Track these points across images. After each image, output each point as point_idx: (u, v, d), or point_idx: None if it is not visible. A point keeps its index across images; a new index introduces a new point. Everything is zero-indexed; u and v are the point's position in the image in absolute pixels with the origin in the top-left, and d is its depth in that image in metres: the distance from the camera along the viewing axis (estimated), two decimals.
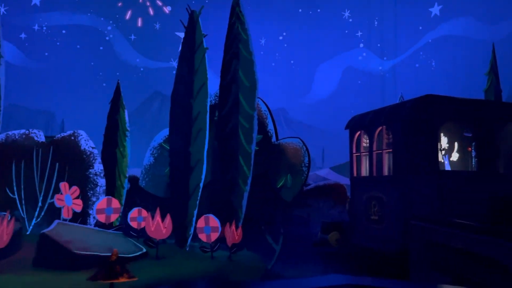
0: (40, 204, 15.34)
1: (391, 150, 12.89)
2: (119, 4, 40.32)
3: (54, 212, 14.69)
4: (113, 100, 16.83)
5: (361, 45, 42.77)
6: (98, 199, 15.11)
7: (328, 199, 17.86)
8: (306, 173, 16.93)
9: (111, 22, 40.87)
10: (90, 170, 15.94)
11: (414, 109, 12.34)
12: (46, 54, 38.97)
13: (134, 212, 14.51)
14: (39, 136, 15.97)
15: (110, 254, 8.36)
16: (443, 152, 13.17)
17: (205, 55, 15.25)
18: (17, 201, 15.18)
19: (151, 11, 41.09)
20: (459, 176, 12.69)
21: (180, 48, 15.88)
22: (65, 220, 14.05)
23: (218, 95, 16.37)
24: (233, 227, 13.92)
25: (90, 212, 15.34)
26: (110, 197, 14.87)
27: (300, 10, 42.97)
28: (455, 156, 13.60)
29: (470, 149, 13.55)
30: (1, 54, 16.23)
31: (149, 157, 17.63)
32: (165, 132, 17.07)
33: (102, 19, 40.56)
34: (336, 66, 42.86)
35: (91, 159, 16.04)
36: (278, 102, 35.80)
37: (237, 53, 15.57)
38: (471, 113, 12.83)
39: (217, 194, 15.74)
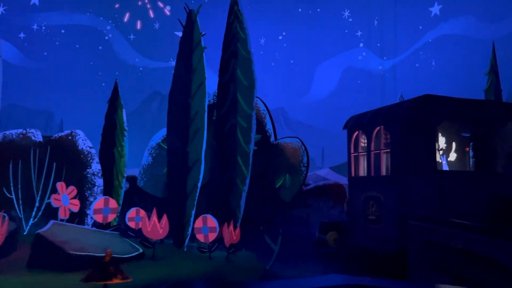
0: (37, 204, 15.25)
1: (389, 150, 12.85)
2: (116, 5, 40.27)
3: (51, 212, 14.59)
4: (111, 100, 16.74)
5: (361, 44, 42.75)
6: (95, 199, 15.02)
7: (328, 199, 17.80)
8: (305, 173, 16.83)
9: (110, 21, 40.86)
10: (88, 170, 15.85)
11: (412, 109, 12.31)
12: (45, 53, 38.98)
13: (132, 212, 14.43)
14: (37, 135, 15.89)
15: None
16: (441, 152, 13.13)
17: (203, 54, 15.18)
18: (14, 201, 15.09)
19: (151, 13, 41.07)
20: (459, 176, 12.67)
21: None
22: (62, 220, 13.96)
23: (216, 94, 16.30)
24: (231, 227, 13.84)
25: (88, 212, 15.25)
26: (107, 197, 14.78)
27: (299, 10, 42.95)
28: (453, 156, 13.59)
29: (468, 149, 13.53)
30: None
31: (147, 157, 17.54)
32: (164, 131, 16.98)
33: (101, 18, 40.55)
34: (336, 66, 42.84)
35: (89, 158, 15.95)
36: (277, 102, 35.81)
37: (235, 52, 15.48)
38: (469, 113, 12.81)
39: (215, 194, 15.67)
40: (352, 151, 14.61)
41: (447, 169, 13.18)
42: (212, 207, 15.33)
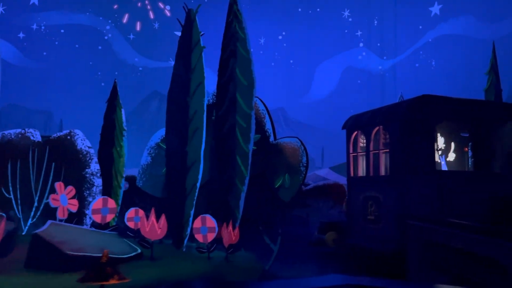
0: (36, 204, 15.20)
1: (388, 150, 12.84)
2: (115, 6, 40.24)
3: (50, 213, 14.54)
4: (109, 100, 16.68)
5: (361, 44, 42.74)
6: (94, 199, 14.98)
7: (327, 199, 17.75)
8: (304, 173, 16.76)
9: (109, 21, 40.84)
10: (87, 170, 15.80)
11: (410, 109, 12.31)
12: (45, 53, 38.99)
13: (131, 212, 14.39)
14: (35, 135, 15.84)
15: None
16: (440, 152, 13.11)
17: (202, 53, 15.12)
18: (13, 201, 15.05)
19: (151, 15, 41.04)
20: (459, 176, 12.68)
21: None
22: (61, 220, 13.91)
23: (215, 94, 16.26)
24: (230, 227, 13.79)
25: (87, 212, 15.21)
26: (106, 197, 14.73)
27: (299, 10, 42.95)
28: (451, 156, 13.57)
29: (466, 149, 13.52)
30: None
31: (146, 156, 17.48)
32: (163, 131, 16.91)
33: (100, 18, 40.53)
34: (336, 66, 42.83)
35: (88, 158, 15.90)
36: (277, 102, 35.81)
37: (234, 51, 15.42)
38: (467, 113, 12.82)
39: (214, 194, 15.61)
40: (351, 151, 14.60)
41: (446, 169, 13.17)
42: (211, 207, 15.27)
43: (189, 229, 14.42)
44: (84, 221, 15.29)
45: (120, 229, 14.55)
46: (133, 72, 40.37)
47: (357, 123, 14.26)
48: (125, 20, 40.52)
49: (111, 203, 14.43)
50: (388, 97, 36.27)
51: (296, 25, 42.46)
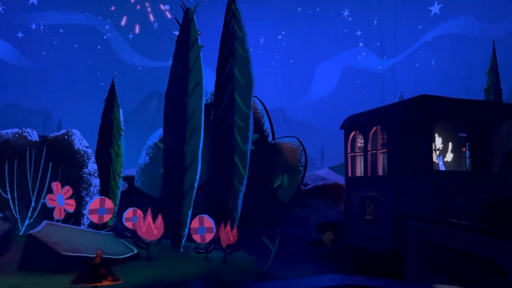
0: (33, 204, 15.14)
1: (385, 150, 12.79)
2: (112, 8, 40.18)
3: (47, 213, 14.48)
4: (107, 99, 16.61)
5: (361, 44, 42.66)
6: (92, 199, 14.91)
7: (327, 199, 17.72)
8: (303, 173, 16.70)
9: (109, 21, 40.76)
10: (84, 170, 15.73)
11: (408, 109, 12.29)
12: (44, 53, 38.92)
13: (129, 213, 14.31)
14: (32, 135, 15.78)
15: None
16: (437, 152, 13.07)
17: (200, 53, 15.06)
18: (10, 201, 14.98)
19: (151, 17, 41.00)
20: (456, 176, 12.67)
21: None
22: (58, 220, 13.85)
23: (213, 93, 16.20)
24: (228, 227, 13.72)
25: (84, 212, 15.14)
26: (103, 197, 14.66)
27: (299, 9, 42.87)
28: (449, 157, 13.53)
29: (464, 149, 13.49)
30: None
31: (144, 156, 17.43)
32: (161, 131, 16.86)
33: (100, 18, 40.46)
34: (336, 65, 42.75)
35: (85, 158, 15.83)
36: (277, 102, 35.73)
37: (232, 51, 15.37)
38: (465, 113, 12.82)
39: (212, 194, 15.55)
40: (349, 151, 14.56)
41: (444, 169, 13.13)
42: (209, 207, 15.21)
43: (187, 229, 14.36)
44: (82, 221, 15.23)
45: (119, 229, 14.47)
46: (132, 72, 40.32)
47: (355, 123, 14.21)
48: (123, 22, 40.48)
49: (108, 203, 14.35)
50: (387, 97, 36.18)
51: (296, 24, 42.41)
